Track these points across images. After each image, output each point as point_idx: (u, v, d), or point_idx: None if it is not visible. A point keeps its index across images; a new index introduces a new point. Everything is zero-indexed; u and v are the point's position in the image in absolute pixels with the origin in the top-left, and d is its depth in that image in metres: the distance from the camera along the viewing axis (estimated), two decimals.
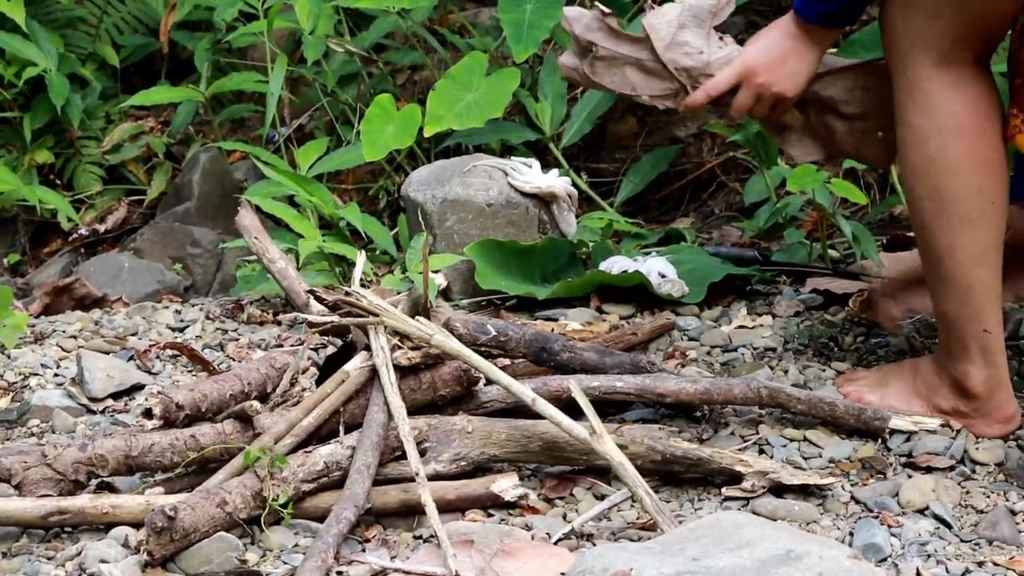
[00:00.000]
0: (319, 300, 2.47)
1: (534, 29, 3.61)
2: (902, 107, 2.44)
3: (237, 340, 3.03)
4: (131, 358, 2.88)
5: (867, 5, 2.50)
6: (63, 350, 2.97)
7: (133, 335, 3.06)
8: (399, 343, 2.35)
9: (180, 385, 2.57)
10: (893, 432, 2.48)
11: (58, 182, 4.20)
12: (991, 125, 2.43)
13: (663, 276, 3.13)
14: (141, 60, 4.43)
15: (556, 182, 3.28)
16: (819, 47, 2.52)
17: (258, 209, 3.25)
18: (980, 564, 2.16)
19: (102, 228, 4.09)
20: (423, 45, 4.12)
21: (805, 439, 2.48)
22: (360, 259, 2.53)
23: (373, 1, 3.75)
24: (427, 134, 3.48)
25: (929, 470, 2.39)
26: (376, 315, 2.35)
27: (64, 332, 3.07)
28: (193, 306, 3.31)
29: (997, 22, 2.43)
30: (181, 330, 3.11)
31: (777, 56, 2.52)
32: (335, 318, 2.42)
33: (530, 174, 3.28)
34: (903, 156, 2.46)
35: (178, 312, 3.23)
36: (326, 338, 2.75)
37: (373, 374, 2.34)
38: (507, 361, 2.57)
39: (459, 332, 2.46)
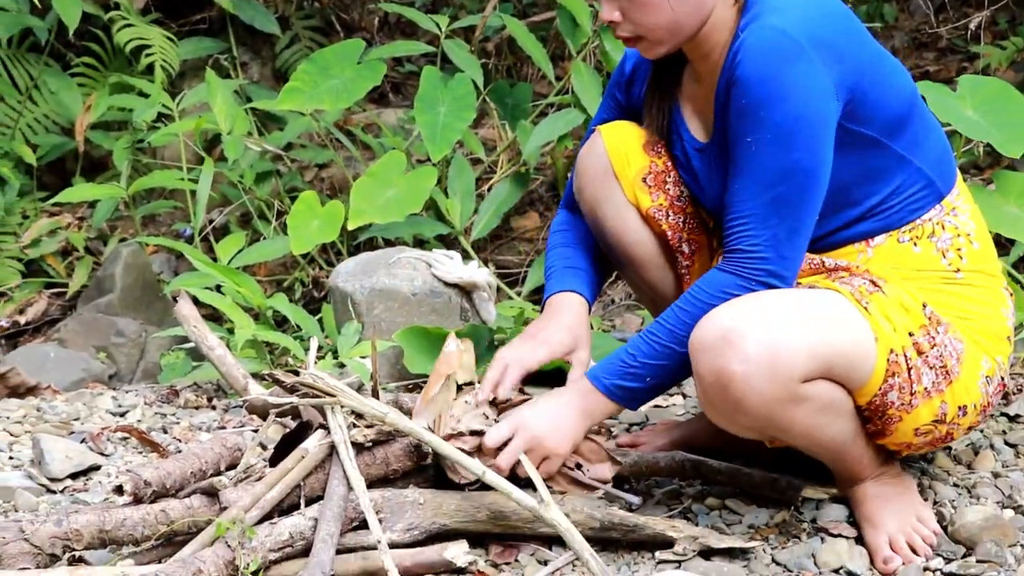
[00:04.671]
0: (278, 383, 2.61)
1: (447, 131, 3.83)
2: None
3: (178, 423, 3.16)
4: (83, 440, 3.00)
5: (658, 395, 2.56)
6: (11, 435, 3.07)
7: (76, 420, 3.18)
8: (354, 422, 2.52)
9: (146, 463, 2.70)
10: (804, 500, 2.69)
11: None
12: None
13: None
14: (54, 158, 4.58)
15: (477, 273, 3.47)
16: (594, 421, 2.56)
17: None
18: None
19: (22, 320, 4.19)
20: (333, 143, 4.30)
21: (725, 507, 2.69)
22: (313, 345, 2.69)
23: (292, 103, 3.92)
24: (351, 227, 3.65)
25: (839, 536, 2.61)
26: (333, 396, 2.52)
27: (8, 418, 3.18)
28: (127, 392, 3.43)
29: None
30: (122, 415, 3.24)
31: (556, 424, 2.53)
32: (294, 399, 2.58)
33: (452, 265, 3.47)
34: None
35: (115, 398, 3.35)
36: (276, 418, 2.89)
37: (331, 451, 2.49)
38: None
39: (408, 410, 2.64)
